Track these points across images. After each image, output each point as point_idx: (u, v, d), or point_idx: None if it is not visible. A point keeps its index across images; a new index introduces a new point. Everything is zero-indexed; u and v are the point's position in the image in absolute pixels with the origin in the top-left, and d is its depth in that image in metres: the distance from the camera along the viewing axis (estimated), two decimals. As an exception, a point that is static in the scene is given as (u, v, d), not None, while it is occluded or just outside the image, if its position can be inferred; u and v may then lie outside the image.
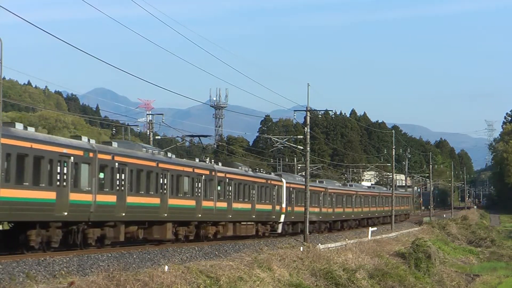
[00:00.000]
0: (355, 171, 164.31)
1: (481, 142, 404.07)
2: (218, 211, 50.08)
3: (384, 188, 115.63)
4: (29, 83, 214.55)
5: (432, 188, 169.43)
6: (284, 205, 62.96)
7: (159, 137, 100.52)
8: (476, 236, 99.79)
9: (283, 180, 63.99)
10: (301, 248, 46.34)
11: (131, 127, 79.35)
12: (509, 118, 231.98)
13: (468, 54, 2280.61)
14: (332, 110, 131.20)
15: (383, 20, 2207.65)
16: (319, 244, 51.21)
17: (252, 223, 56.79)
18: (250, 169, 58.72)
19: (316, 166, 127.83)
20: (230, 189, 52.29)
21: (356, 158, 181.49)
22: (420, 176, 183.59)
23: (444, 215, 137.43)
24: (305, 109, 62.42)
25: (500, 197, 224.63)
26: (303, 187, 64.80)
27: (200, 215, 47.52)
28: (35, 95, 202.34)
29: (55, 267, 29.99)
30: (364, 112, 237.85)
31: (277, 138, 79.77)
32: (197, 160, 50.52)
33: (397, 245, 62.68)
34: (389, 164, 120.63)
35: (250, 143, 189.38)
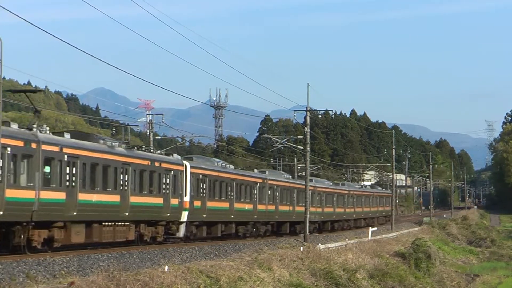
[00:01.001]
0: (355, 171, 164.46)
1: (481, 142, 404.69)
2: (45, 205, 33.47)
3: (357, 186, 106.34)
4: (29, 83, 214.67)
5: (432, 188, 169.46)
6: (187, 199, 47.43)
7: (159, 137, 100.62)
8: (476, 236, 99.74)
9: (186, 164, 47.82)
10: (301, 248, 46.37)
11: (131, 127, 79.25)
12: (509, 118, 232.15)
13: (468, 54, 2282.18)
14: (332, 110, 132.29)
15: (383, 20, 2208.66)
16: (319, 244, 51.27)
17: (127, 223, 40.82)
18: (123, 145, 41.69)
19: (316, 166, 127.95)
20: (75, 172, 35.70)
21: (356, 158, 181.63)
22: (420, 176, 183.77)
23: (444, 215, 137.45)
24: (305, 109, 62.45)
25: (500, 197, 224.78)
26: (221, 174, 53.00)
27: (0, 212, 30.97)
28: (35, 95, 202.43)
29: (55, 267, 30.03)
30: (364, 112, 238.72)
31: (277, 138, 79.87)
32: (13, 126, 32.41)
33: (397, 245, 62.63)
34: (389, 164, 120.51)
35: (250, 143, 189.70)
